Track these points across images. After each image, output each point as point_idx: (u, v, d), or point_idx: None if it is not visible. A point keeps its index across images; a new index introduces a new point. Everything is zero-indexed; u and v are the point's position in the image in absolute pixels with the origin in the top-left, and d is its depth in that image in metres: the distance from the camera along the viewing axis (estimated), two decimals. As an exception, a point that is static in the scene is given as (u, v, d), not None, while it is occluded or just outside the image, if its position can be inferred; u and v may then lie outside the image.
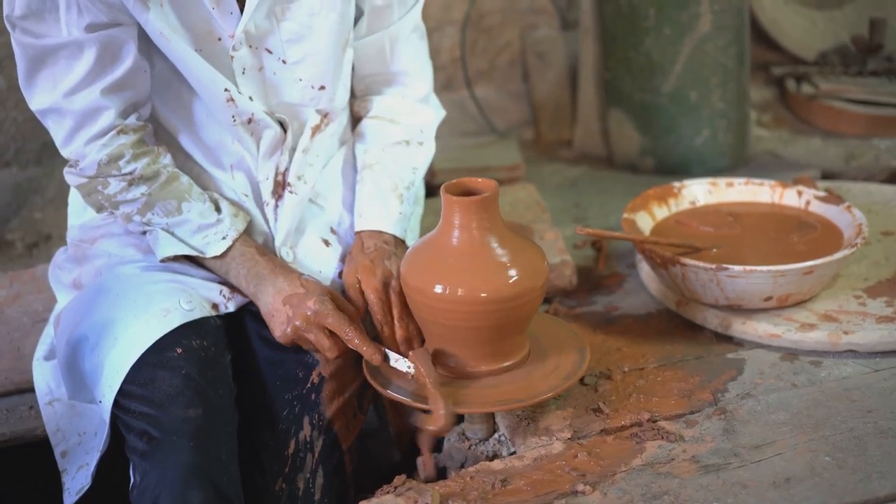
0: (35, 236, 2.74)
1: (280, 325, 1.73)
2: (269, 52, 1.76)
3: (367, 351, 1.68)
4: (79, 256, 1.88)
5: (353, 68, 1.94)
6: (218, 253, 1.77)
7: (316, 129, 1.86)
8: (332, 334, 1.71)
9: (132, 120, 1.75)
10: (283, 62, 1.78)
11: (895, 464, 1.54)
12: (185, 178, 1.80)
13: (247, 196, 1.85)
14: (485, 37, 3.29)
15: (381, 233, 1.87)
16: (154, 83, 1.77)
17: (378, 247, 1.84)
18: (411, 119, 1.97)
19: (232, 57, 1.73)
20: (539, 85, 3.25)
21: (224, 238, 1.77)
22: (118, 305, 1.73)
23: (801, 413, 1.68)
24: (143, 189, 1.75)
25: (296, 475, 1.78)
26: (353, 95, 2.00)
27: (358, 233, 1.88)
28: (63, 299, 1.89)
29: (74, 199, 1.93)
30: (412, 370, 1.66)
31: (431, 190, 2.81)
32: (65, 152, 1.75)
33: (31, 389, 1.92)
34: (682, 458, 1.59)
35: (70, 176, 1.77)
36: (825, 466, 1.55)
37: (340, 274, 1.86)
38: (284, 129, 1.82)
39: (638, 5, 2.75)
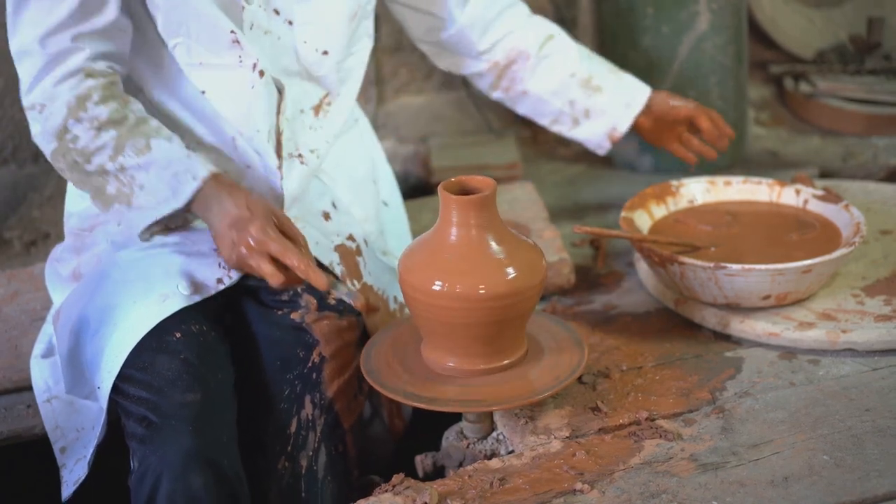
0: (33, 234, 2.74)
1: (226, 249, 1.70)
2: (277, 12, 1.80)
3: (312, 276, 1.64)
4: (78, 245, 1.89)
5: (464, 10, 2.08)
6: (189, 196, 1.71)
7: (319, 108, 1.89)
8: (276, 260, 1.67)
9: (101, 65, 1.74)
10: (290, 23, 1.81)
11: (893, 462, 1.54)
12: (154, 122, 1.76)
13: (255, 158, 1.84)
14: (483, 35, 3.29)
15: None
16: (148, 58, 1.79)
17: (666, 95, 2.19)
18: (552, 27, 2.22)
19: (243, 8, 1.75)
20: (537, 83, 3.24)
21: (194, 178, 1.71)
22: (118, 291, 1.74)
23: (800, 412, 1.68)
24: (112, 133, 1.71)
25: (298, 453, 1.79)
26: (468, 31, 2.12)
27: (648, 101, 2.18)
28: (59, 297, 1.89)
29: (73, 187, 1.93)
30: (356, 301, 1.69)
31: (429, 188, 2.81)
32: (31, 96, 1.72)
33: (29, 388, 1.92)
34: (681, 456, 1.59)
35: (42, 139, 1.73)
36: (823, 465, 1.55)
37: (336, 248, 1.87)
38: (280, 95, 1.84)
39: (636, 4, 2.75)
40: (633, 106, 2.17)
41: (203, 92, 1.80)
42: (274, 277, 1.66)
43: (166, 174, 1.72)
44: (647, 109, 2.18)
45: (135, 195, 1.73)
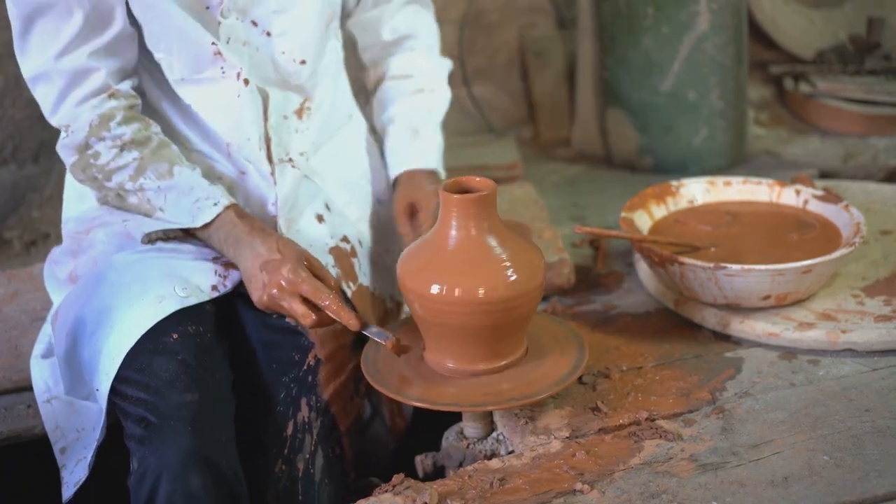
0: (33, 235, 2.74)
1: (256, 290, 1.72)
2: (255, 24, 1.80)
3: (344, 317, 1.67)
4: (74, 248, 1.89)
5: (356, 44, 2.06)
6: (208, 220, 1.75)
7: (301, 112, 1.90)
8: (308, 301, 1.69)
9: (125, 86, 1.77)
10: (268, 34, 1.82)
11: (893, 463, 1.54)
12: (174, 147, 1.81)
13: (248, 165, 1.86)
14: (483, 35, 3.30)
15: (415, 170, 1.97)
16: (149, 67, 1.81)
17: (422, 178, 1.95)
18: (423, 69, 2.06)
19: (219, 23, 1.76)
20: (537, 84, 3.25)
21: (216, 204, 1.76)
22: (114, 293, 1.74)
23: (800, 412, 1.68)
24: (134, 154, 1.75)
25: (295, 456, 1.79)
26: (364, 68, 2.11)
27: (396, 178, 1.99)
28: (58, 298, 1.90)
29: (70, 191, 1.94)
30: (389, 341, 1.66)
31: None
32: (55, 118, 1.76)
33: (30, 388, 1.92)
34: (681, 457, 1.59)
35: (63, 150, 1.78)
36: (823, 465, 1.55)
37: (331, 250, 1.88)
38: (265, 102, 1.86)
39: (636, 4, 2.75)
40: (393, 168, 2.02)
41: (190, 105, 1.82)
42: (306, 318, 1.68)
43: (187, 200, 1.76)
44: (397, 183, 2.01)
45: (156, 214, 1.79)
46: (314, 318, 1.68)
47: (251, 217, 1.79)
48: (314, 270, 1.72)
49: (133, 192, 1.77)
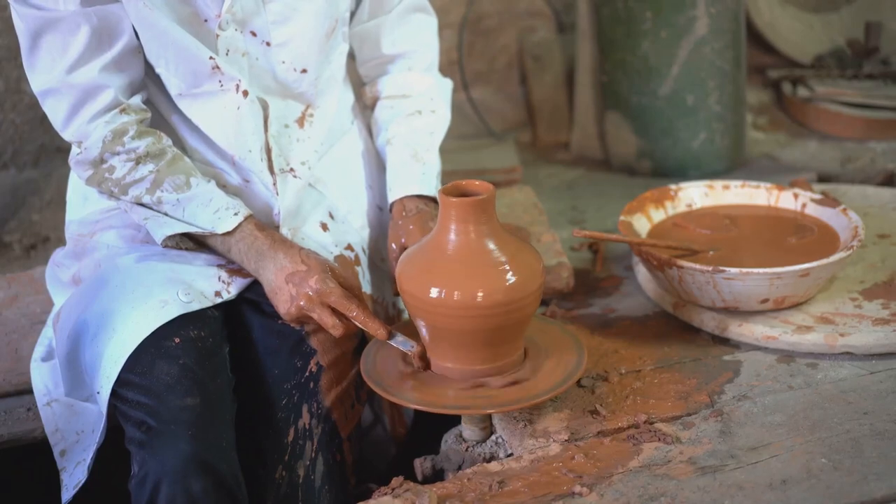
0: (33, 238, 2.74)
1: (284, 303, 1.73)
2: (254, 34, 1.80)
3: (372, 326, 1.70)
4: (78, 251, 1.89)
5: (354, 55, 2.02)
6: (229, 228, 1.76)
7: (302, 120, 1.90)
8: (336, 311, 1.71)
9: (135, 101, 1.77)
10: (268, 44, 1.82)
11: (891, 465, 1.54)
12: (188, 160, 1.82)
13: (252, 175, 1.86)
14: (482, 39, 3.30)
15: (416, 196, 1.91)
16: (156, 80, 1.80)
17: (419, 209, 1.88)
18: (420, 89, 2.02)
19: (217, 36, 1.76)
20: (536, 87, 3.26)
21: (236, 214, 1.77)
22: (117, 297, 1.74)
23: (798, 415, 1.68)
24: (150, 167, 1.76)
25: (295, 462, 1.79)
26: (361, 83, 2.08)
27: (393, 203, 1.92)
28: (60, 300, 1.90)
29: (73, 194, 1.94)
30: (414, 350, 1.68)
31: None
32: (67, 133, 1.76)
33: (30, 391, 1.92)
34: (679, 459, 1.59)
35: (77, 166, 1.78)
36: (821, 468, 1.55)
37: (335, 258, 1.88)
38: (265, 112, 1.86)
39: (635, 8, 2.76)
40: (392, 191, 1.94)
41: (190, 119, 1.82)
42: (336, 329, 1.71)
43: (206, 211, 1.77)
44: (392, 213, 1.95)
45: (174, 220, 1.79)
46: (343, 329, 1.71)
47: (270, 229, 1.80)
48: (339, 280, 1.73)
49: (151, 206, 1.78)
